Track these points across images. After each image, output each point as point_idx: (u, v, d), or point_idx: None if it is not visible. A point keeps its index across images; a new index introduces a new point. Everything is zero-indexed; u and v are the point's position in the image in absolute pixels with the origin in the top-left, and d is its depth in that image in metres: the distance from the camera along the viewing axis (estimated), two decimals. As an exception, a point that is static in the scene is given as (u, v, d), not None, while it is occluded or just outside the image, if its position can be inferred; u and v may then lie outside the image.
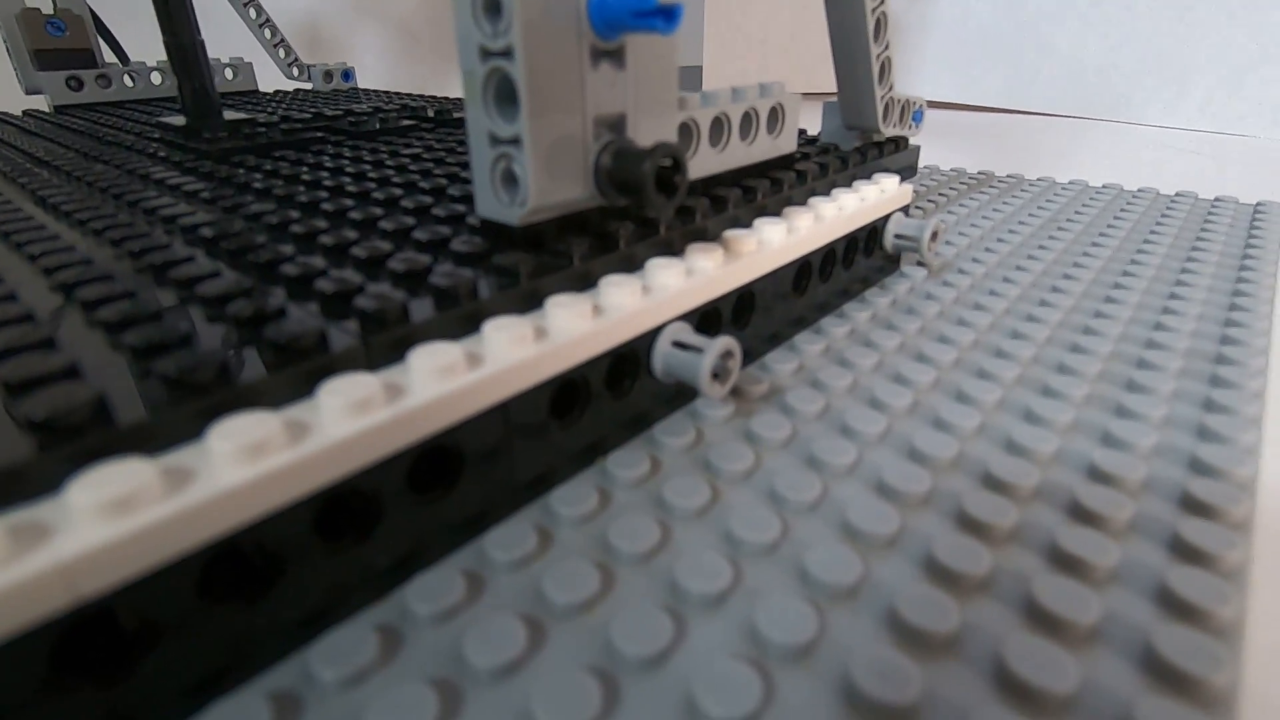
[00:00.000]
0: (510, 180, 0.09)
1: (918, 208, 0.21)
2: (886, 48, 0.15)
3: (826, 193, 0.15)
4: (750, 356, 0.12)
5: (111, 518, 0.06)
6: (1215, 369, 0.12)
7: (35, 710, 0.06)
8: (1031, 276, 0.16)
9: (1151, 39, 0.38)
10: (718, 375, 0.10)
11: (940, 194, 0.23)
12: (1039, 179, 0.25)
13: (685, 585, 0.08)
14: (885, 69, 0.16)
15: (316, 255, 0.10)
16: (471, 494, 0.08)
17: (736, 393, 0.11)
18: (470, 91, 0.09)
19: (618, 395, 0.10)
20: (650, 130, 0.10)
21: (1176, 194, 0.23)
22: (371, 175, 0.15)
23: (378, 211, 0.12)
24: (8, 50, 0.27)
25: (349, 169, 0.16)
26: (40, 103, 0.29)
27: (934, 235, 0.15)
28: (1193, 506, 0.09)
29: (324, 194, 0.13)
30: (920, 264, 0.17)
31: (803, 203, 0.14)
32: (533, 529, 0.08)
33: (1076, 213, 0.21)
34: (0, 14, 0.27)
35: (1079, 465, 0.10)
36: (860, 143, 0.17)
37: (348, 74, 0.37)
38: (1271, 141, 0.34)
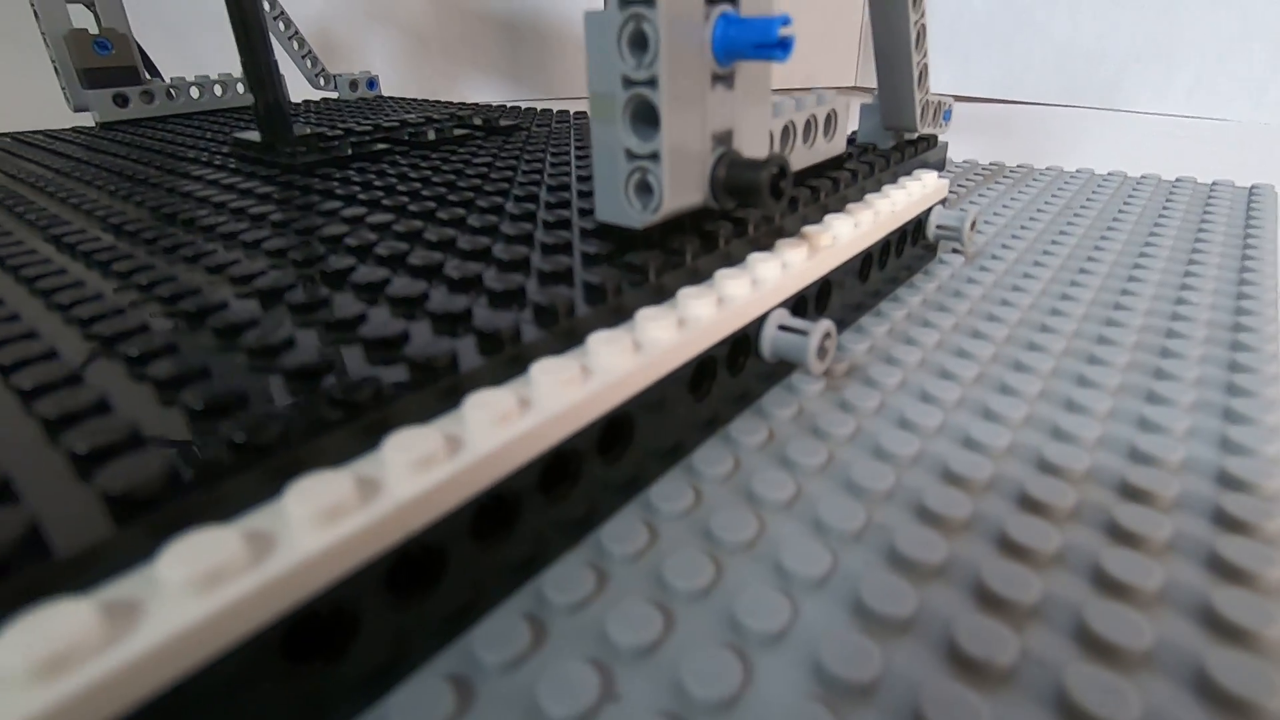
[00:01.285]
0: (644, 189, 0.11)
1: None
2: (925, 55, 0.17)
3: (877, 189, 0.16)
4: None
5: (202, 592, 0.06)
6: (1233, 355, 0.13)
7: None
8: (1058, 260, 0.18)
9: (1139, 25, 0.40)
10: (819, 353, 0.11)
11: (960, 185, 0.25)
12: (1047, 168, 0.27)
13: (791, 568, 0.09)
14: (924, 74, 0.17)
15: (456, 261, 0.11)
16: (582, 496, 0.09)
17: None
18: (604, 112, 0.11)
19: (734, 374, 0.11)
20: (749, 141, 0.12)
21: (1177, 179, 0.25)
22: (462, 185, 0.16)
23: (492, 219, 0.13)
24: (55, 69, 0.28)
25: (435, 179, 0.17)
26: (85, 119, 0.30)
27: (972, 225, 0.17)
28: (1227, 522, 0.09)
29: (430, 204, 0.15)
30: (956, 251, 0.19)
31: (858, 199, 0.16)
32: (644, 523, 0.10)
33: (1088, 200, 0.23)
34: (49, 34, 0.28)
35: (1111, 482, 0.11)
36: (895, 141, 0.19)
37: (372, 82, 0.38)
38: (1254, 125, 0.36)
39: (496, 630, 0.08)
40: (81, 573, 0.06)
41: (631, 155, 0.10)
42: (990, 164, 0.28)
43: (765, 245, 0.13)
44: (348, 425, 0.07)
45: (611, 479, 0.10)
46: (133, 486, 0.06)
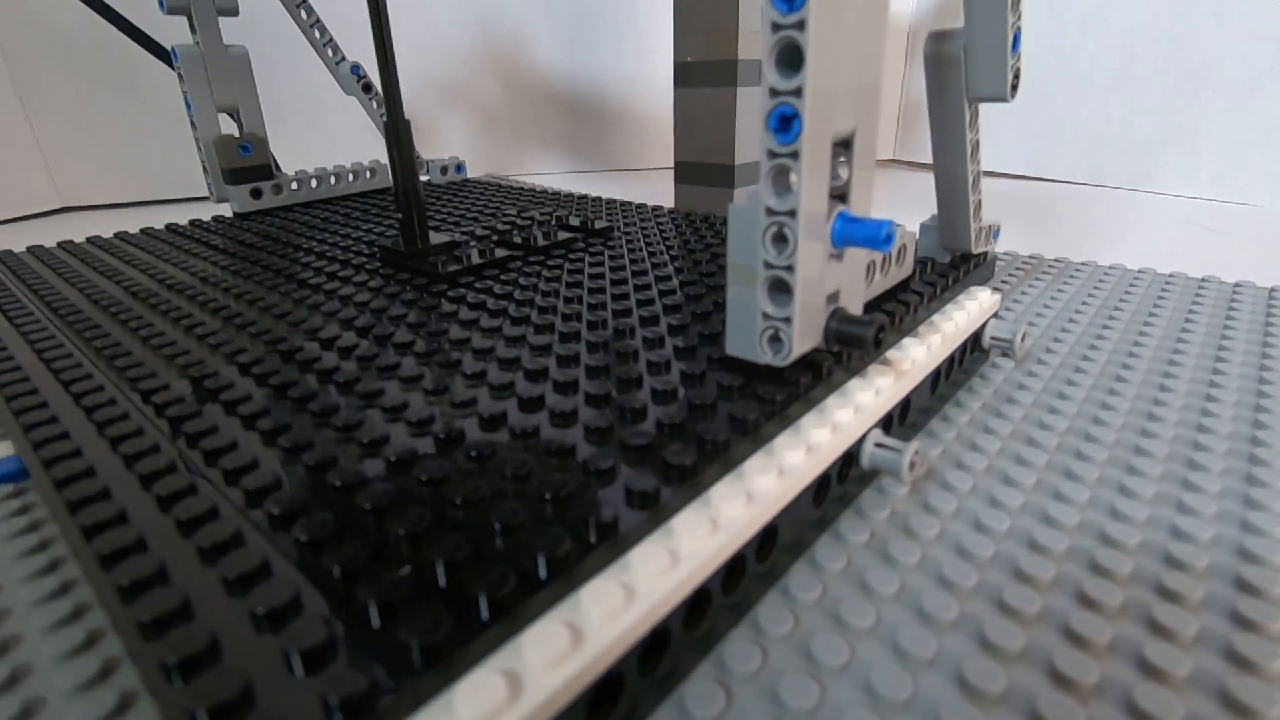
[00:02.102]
0: (776, 341, 0.14)
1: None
2: (980, 194, 0.20)
3: (941, 310, 0.19)
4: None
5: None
6: (1251, 469, 0.16)
7: None
8: (1098, 366, 0.20)
9: (1165, 114, 0.43)
10: (910, 467, 0.14)
11: (1003, 280, 0.28)
12: (1083, 263, 0.30)
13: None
14: (978, 208, 0.20)
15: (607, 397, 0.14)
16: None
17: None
18: (743, 279, 0.14)
19: (840, 483, 0.14)
20: (849, 297, 0.15)
21: (1203, 279, 0.27)
22: (592, 301, 0.20)
23: (630, 344, 0.16)
24: (204, 168, 0.33)
25: (563, 292, 0.20)
26: (225, 208, 0.34)
27: (1022, 337, 0.20)
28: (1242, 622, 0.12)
29: (575, 324, 0.18)
30: (1006, 355, 0.21)
31: (926, 320, 0.19)
32: (789, 611, 0.13)
33: (1122, 299, 0.26)
34: (202, 140, 0.32)
35: (1150, 583, 0.14)
36: (952, 257, 0.22)
37: (460, 167, 0.42)
38: (1276, 211, 0.39)
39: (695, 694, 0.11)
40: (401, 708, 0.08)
41: (767, 317, 0.14)
42: (1030, 256, 0.31)
43: (857, 370, 0.16)
44: (554, 582, 0.09)
45: (762, 574, 0.12)
46: (434, 639, 0.08)
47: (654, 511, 0.11)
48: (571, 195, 0.36)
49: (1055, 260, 0.30)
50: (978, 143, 0.19)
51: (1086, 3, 0.44)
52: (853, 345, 0.14)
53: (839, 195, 0.14)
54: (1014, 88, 0.17)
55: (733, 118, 0.35)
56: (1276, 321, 0.23)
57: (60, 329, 0.20)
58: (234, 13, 0.32)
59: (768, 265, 0.13)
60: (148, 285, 0.23)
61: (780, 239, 0.13)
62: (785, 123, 0.12)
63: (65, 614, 0.12)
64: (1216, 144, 0.41)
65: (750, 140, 0.35)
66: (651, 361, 0.16)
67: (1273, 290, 0.26)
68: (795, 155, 0.12)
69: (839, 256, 0.14)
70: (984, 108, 0.19)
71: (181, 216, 0.49)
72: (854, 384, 0.15)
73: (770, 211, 0.13)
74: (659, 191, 0.51)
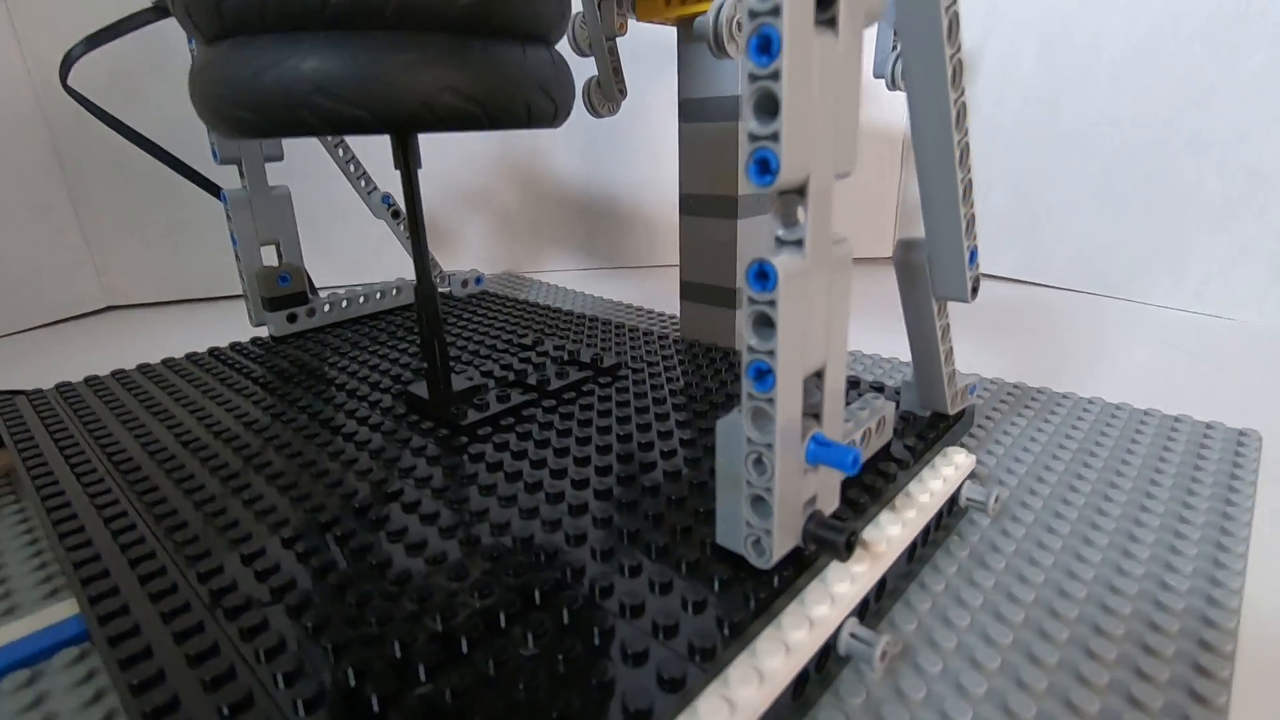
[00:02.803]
0: (758, 547, 0.15)
1: (971, 435, 0.28)
2: (953, 364, 0.22)
3: (918, 474, 0.21)
4: (878, 617, 0.18)
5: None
6: (1202, 632, 0.17)
7: None
8: (1068, 524, 0.22)
9: (1150, 235, 0.45)
10: (883, 655, 0.16)
11: (986, 416, 0.29)
12: (1065, 395, 0.31)
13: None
14: (952, 377, 0.22)
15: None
16: None
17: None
18: (731, 488, 0.16)
19: (819, 673, 0.16)
20: (825, 498, 0.17)
21: (1177, 417, 0.29)
22: (600, 464, 0.21)
23: (633, 528, 0.18)
24: (245, 296, 0.35)
25: (577, 436, 0.22)
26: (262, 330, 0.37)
27: (996, 499, 0.21)
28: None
29: (583, 493, 0.20)
30: (980, 510, 0.23)
31: (904, 487, 0.20)
32: (786, 770, 0.14)
33: (1099, 438, 0.27)
34: (245, 271, 0.35)
35: None
36: (930, 413, 0.24)
37: (480, 279, 0.45)
38: (1257, 327, 0.40)
39: None
40: None
41: (750, 525, 0.15)
42: (1015, 385, 0.32)
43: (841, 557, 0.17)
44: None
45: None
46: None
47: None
48: (583, 317, 0.38)
49: (1039, 390, 0.32)
50: (948, 326, 0.21)
51: (1069, 126, 0.46)
52: (826, 549, 0.16)
53: (813, 414, 0.16)
54: (974, 291, 0.19)
55: (734, 246, 0.37)
56: (1242, 468, 0.25)
57: (113, 478, 0.22)
58: (279, 159, 0.35)
59: (749, 484, 0.15)
60: (193, 429, 0.25)
61: (760, 464, 0.15)
62: (761, 375, 0.14)
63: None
64: (1199, 262, 0.43)
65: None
66: (652, 546, 0.17)
67: (1241, 434, 0.27)
68: (771, 401, 0.14)
69: (816, 469, 0.16)
70: (979, 208, 0.21)
71: (214, 314, 0.52)
72: (831, 571, 0.17)
73: (750, 442, 0.15)
74: (666, 292, 0.53)
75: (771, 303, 0.13)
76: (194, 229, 0.54)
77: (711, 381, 0.28)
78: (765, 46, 0.12)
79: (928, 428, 0.23)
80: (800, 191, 0.13)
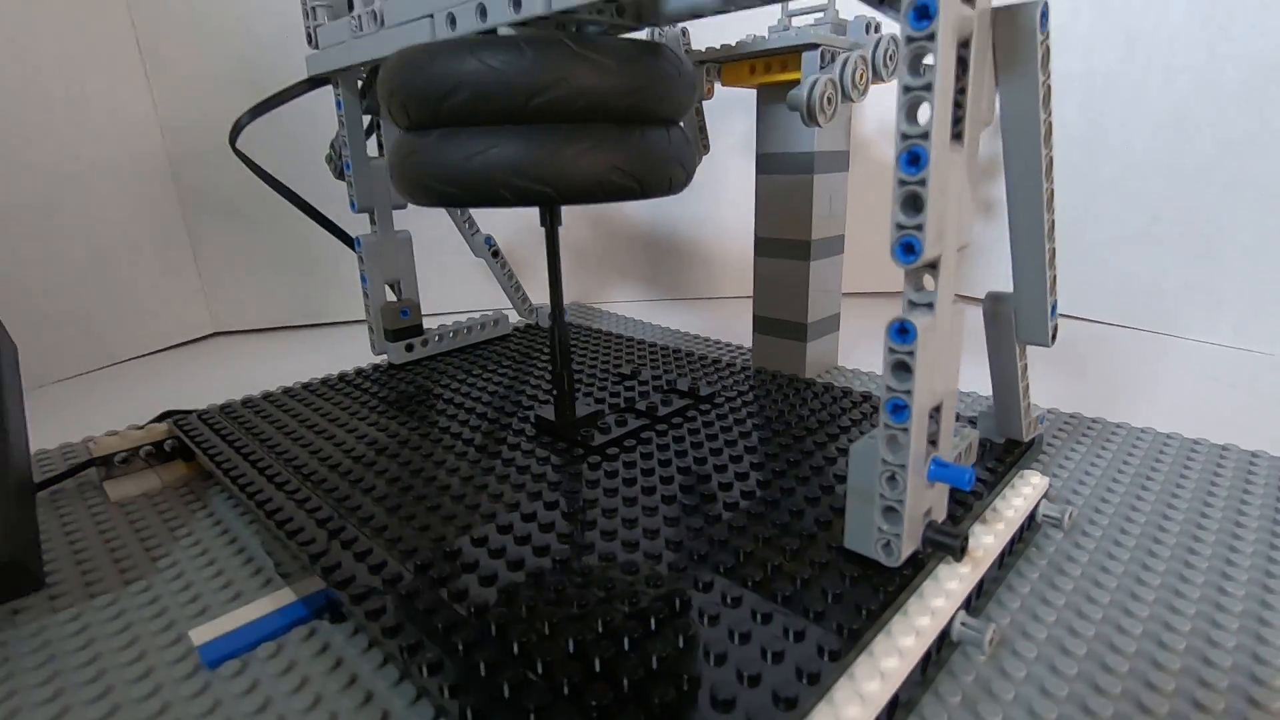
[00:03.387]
0: (888, 548, 0.19)
1: (1037, 460, 0.31)
2: (1030, 397, 0.25)
3: (1002, 493, 0.24)
4: (978, 614, 0.22)
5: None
6: (1257, 649, 0.20)
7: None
8: (1133, 539, 0.25)
9: (1188, 273, 0.48)
10: (991, 641, 0.19)
11: (1049, 443, 0.33)
12: (1119, 425, 0.34)
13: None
14: (1029, 408, 0.26)
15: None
16: None
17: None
18: (862, 500, 0.19)
19: (939, 652, 0.19)
20: (938, 508, 0.20)
21: (1224, 446, 0.32)
22: (722, 480, 0.25)
23: (765, 531, 0.22)
24: (370, 328, 0.40)
25: (694, 458, 0.26)
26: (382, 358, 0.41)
27: (1069, 516, 0.25)
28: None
29: (713, 505, 0.23)
30: (1055, 525, 0.26)
31: (991, 504, 0.24)
32: (918, 730, 0.17)
33: (1154, 466, 0.30)
34: (372, 307, 0.39)
35: None
36: (1005, 440, 0.27)
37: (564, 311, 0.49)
38: (1298, 359, 0.43)
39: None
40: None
41: (881, 530, 0.19)
42: (1071, 415, 0.36)
43: (943, 557, 0.21)
44: None
45: (886, 727, 0.17)
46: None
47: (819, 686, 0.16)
48: (666, 348, 0.42)
49: (1094, 420, 0.35)
50: (1026, 366, 0.24)
51: (1110, 171, 0.50)
52: (943, 551, 0.19)
53: (932, 440, 0.19)
54: (1053, 337, 0.23)
55: (806, 287, 0.41)
56: (1288, 493, 0.28)
57: (300, 482, 0.25)
58: (404, 206, 0.40)
59: (883, 497, 0.19)
60: (349, 442, 0.29)
61: (893, 480, 0.18)
62: (898, 409, 0.18)
63: None
64: (1236, 299, 0.46)
65: (820, 303, 0.41)
66: (787, 549, 0.21)
67: (1286, 461, 0.30)
68: (905, 430, 0.18)
69: (932, 486, 0.19)
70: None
71: (314, 340, 0.56)
72: (942, 570, 0.20)
73: (885, 462, 0.18)
74: (727, 322, 0.57)
75: (910, 353, 0.17)
76: (295, 262, 0.59)
77: (801, 409, 0.32)
78: (915, 160, 0.16)
79: (1005, 452, 0.26)
80: (933, 265, 0.17)
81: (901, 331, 0.17)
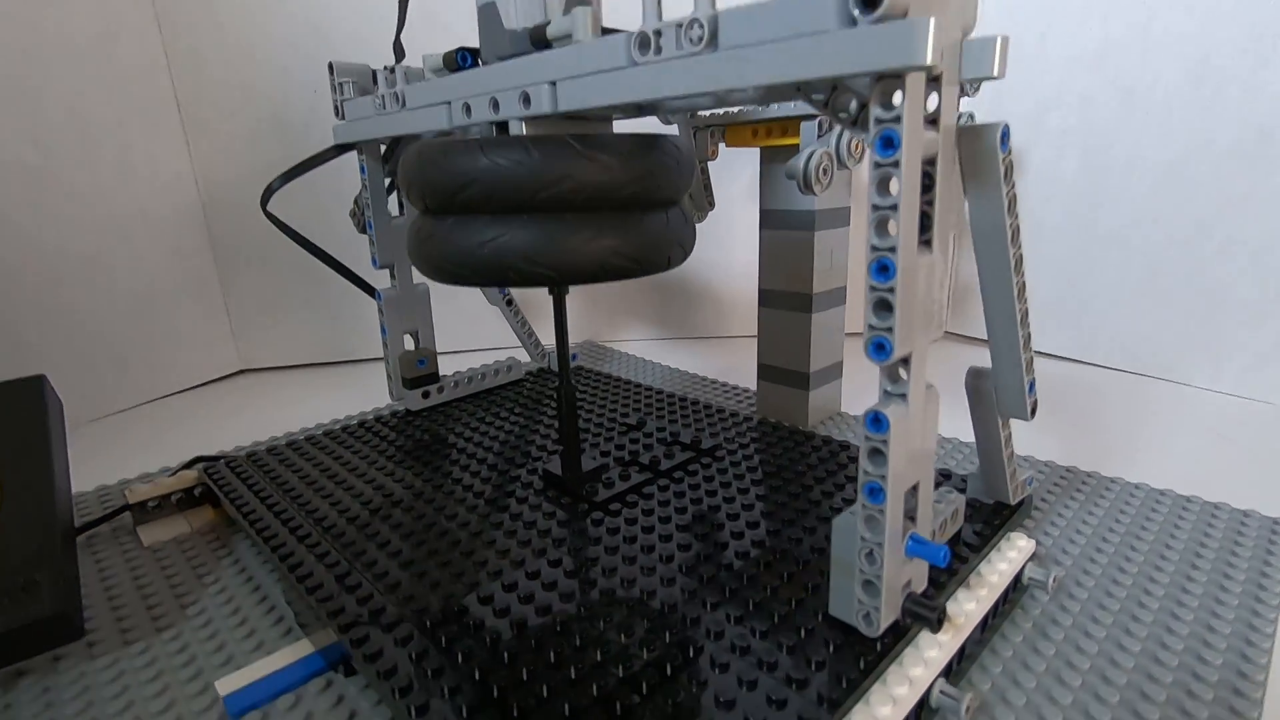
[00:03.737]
0: (868, 619, 0.20)
1: (1029, 518, 0.32)
2: (1015, 463, 0.26)
3: (986, 557, 0.25)
4: (959, 678, 0.22)
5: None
6: (1233, 701, 0.21)
7: None
8: (1118, 603, 0.26)
9: (1191, 327, 0.49)
10: (968, 709, 0.20)
11: (1042, 499, 0.33)
12: (1113, 479, 0.35)
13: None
14: (1014, 473, 0.27)
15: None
16: None
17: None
18: (844, 573, 0.20)
19: (916, 720, 0.20)
20: (918, 579, 0.21)
21: (1217, 505, 0.32)
22: (719, 539, 0.26)
23: (754, 596, 0.23)
24: (389, 376, 0.42)
25: (691, 516, 0.27)
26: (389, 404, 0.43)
27: (1054, 580, 0.26)
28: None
29: (712, 565, 0.25)
30: (1040, 588, 0.27)
31: (975, 568, 0.25)
32: (894, 797, 0.18)
33: (1145, 522, 0.31)
34: (390, 358, 0.41)
35: None
36: (993, 502, 0.28)
37: (574, 356, 0.51)
38: (1301, 410, 0.44)
39: None
40: None
41: (861, 602, 0.20)
42: (1067, 469, 0.36)
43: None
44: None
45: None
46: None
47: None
48: (673, 396, 0.43)
49: (1089, 475, 0.36)
50: (1010, 435, 0.26)
51: (1110, 225, 0.51)
52: (921, 622, 0.20)
53: (910, 516, 0.20)
54: (1033, 411, 0.24)
55: (808, 337, 0.42)
56: (1274, 555, 0.28)
57: (317, 533, 0.27)
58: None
59: (861, 571, 0.20)
60: (365, 492, 0.31)
61: (870, 557, 0.20)
62: (874, 492, 0.19)
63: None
64: (1238, 351, 0.46)
65: (821, 352, 0.43)
66: (772, 612, 0.22)
67: (1275, 523, 0.31)
68: (881, 511, 0.19)
69: (910, 560, 0.20)
70: (1031, 291, 0.24)
71: (336, 377, 0.59)
72: (923, 639, 0.21)
73: (864, 539, 0.19)
74: (735, 362, 0.58)
75: (884, 441, 0.18)
76: (318, 304, 0.61)
77: (800, 465, 0.33)
78: (884, 270, 0.17)
79: (992, 515, 0.27)
80: (905, 361, 0.18)
81: (876, 421, 0.18)
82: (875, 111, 0.16)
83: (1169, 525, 0.31)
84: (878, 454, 0.19)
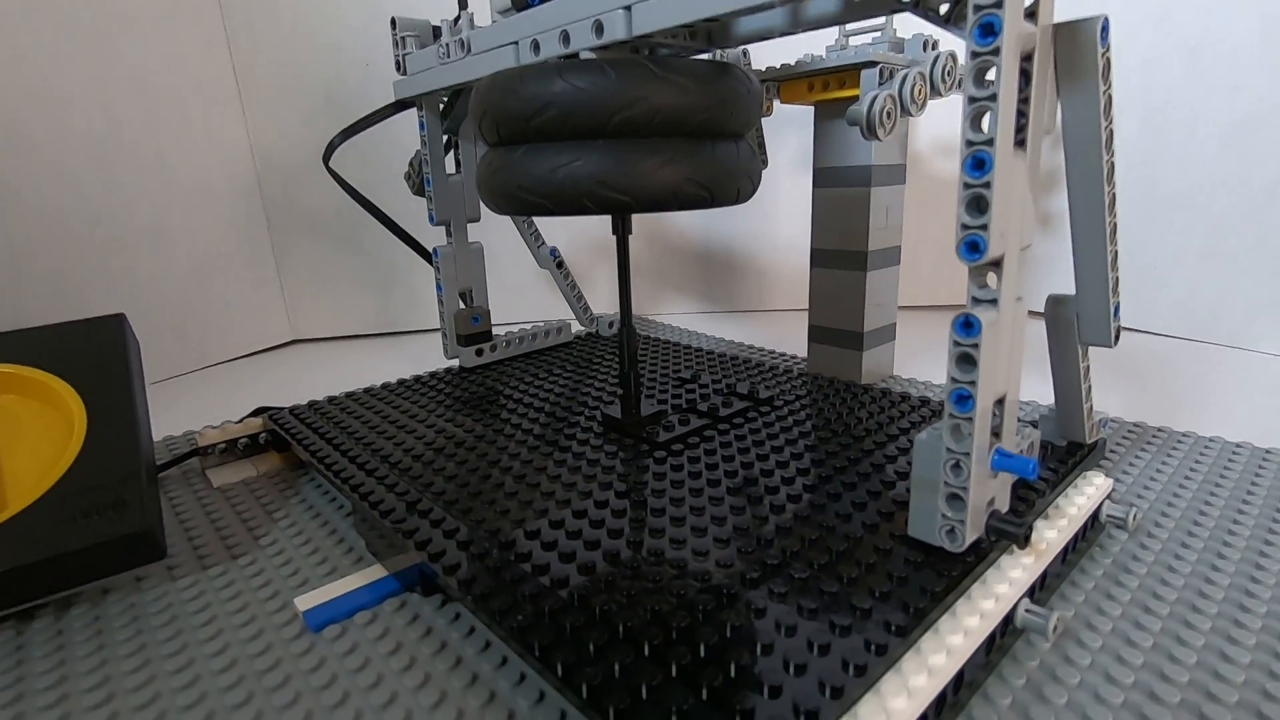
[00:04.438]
0: (952, 534, 0.20)
1: (1098, 466, 0.31)
2: (1092, 400, 0.26)
3: (1065, 492, 0.25)
4: (1039, 604, 0.22)
5: None
6: (1334, 627, 0.20)
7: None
8: (1201, 541, 0.25)
9: (1258, 289, 0.47)
10: (1054, 629, 0.19)
11: (1111, 450, 0.33)
12: (1185, 433, 0.34)
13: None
14: (1090, 410, 0.26)
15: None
16: None
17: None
18: (927, 490, 0.20)
19: (1003, 637, 0.20)
20: (1001, 499, 0.21)
21: (1298, 455, 0.31)
22: (785, 474, 0.26)
23: (828, 521, 0.23)
24: (443, 334, 0.42)
25: (762, 466, 0.27)
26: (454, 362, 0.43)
27: (1133, 517, 0.25)
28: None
29: (778, 496, 0.24)
30: (1120, 528, 0.26)
31: (1054, 504, 0.24)
32: None
33: (1222, 474, 0.30)
34: (446, 315, 0.42)
35: None
36: (1067, 443, 0.27)
37: (612, 324, 0.51)
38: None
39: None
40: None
41: (945, 517, 0.20)
42: (1135, 424, 0.35)
43: (1006, 549, 0.21)
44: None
45: (952, 704, 0.18)
46: None
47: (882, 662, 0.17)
48: (724, 356, 0.43)
49: (1159, 429, 0.35)
50: (1089, 368, 0.25)
51: (1171, 189, 0.49)
52: (1007, 538, 0.20)
53: (996, 433, 0.20)
54: (1117, 337, 0.23)
55: (862, 295, 0.42)
56: (1366, 503, 0.27)
57: (387, 468, 0.27)
58: (477, 220, 0.42)
59: (947, 484, 0.19)
60: (428, 436, 0.31)
61: (957, 468, 0.19)
62: (962, 399, 0.19)
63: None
64: (1311, 312, 0.44)
65: (875, 312, 0.42)
66: (850, 535, 0.22)
67: (1363, 471, 0.30)
68: (969, 419, 0.19)
69: (995, 475, 0.20)
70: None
71: (385, 348, 0.59)
72: (1005, 561, 0.21)
73: (950, 450, 0.19)
74: (780, 334, 0.58)
75: (975, 345, 0.18)
76: (369, 276, 0.62)
77: (860, 412, 0.32)
78: (980, 165, 0.17)
79: (1067, 454, 0.26)
80: (996, 264, 0.18)
81: (966, 325, 0.18)
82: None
83: (1248, 476, 0.30)
84: (967, 360, 0.18)
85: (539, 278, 0.63)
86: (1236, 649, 0.20)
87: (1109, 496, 0.26)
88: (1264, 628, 0.21)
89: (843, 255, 0.42)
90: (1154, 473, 0.30)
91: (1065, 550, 0.23)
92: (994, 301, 0.18)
